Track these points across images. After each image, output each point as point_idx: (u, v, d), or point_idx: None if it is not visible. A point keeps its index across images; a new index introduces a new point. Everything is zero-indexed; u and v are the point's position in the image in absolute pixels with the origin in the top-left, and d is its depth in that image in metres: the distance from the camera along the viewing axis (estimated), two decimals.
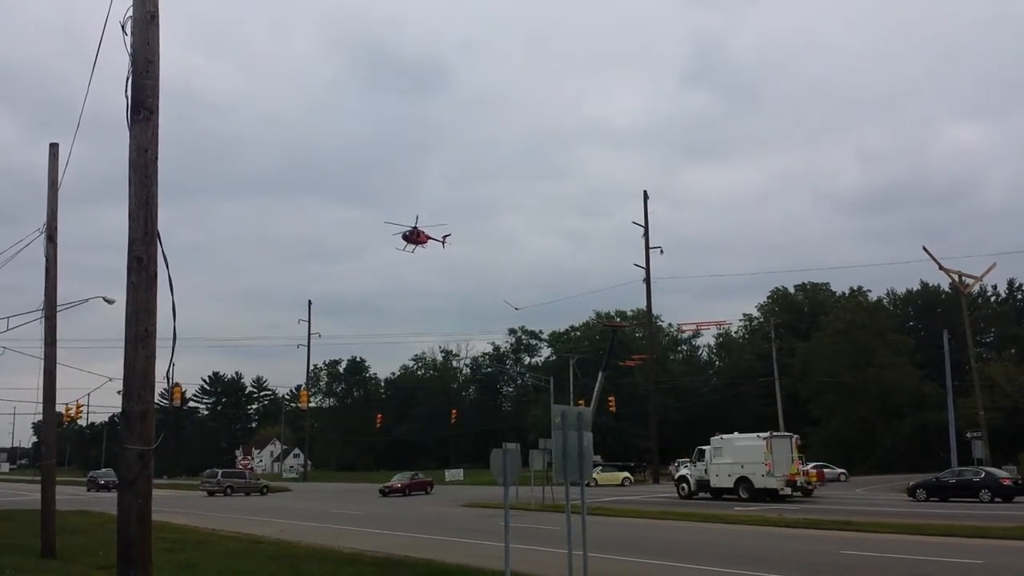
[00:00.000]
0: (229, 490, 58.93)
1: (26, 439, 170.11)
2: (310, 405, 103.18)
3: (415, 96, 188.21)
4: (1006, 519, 26.34)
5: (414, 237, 46.67)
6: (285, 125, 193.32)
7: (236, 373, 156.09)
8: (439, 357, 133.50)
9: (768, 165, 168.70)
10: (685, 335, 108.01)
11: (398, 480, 56.39)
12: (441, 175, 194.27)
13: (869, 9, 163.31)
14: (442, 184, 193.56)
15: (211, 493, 58.04)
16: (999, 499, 35.58)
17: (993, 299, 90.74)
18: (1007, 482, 36.89)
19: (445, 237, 48.85)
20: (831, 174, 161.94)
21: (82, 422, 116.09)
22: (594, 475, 49.92)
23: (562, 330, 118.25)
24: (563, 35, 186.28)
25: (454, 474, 77.72)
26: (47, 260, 19.80)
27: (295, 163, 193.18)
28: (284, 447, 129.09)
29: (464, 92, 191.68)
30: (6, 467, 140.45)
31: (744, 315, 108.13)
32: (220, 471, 64.30)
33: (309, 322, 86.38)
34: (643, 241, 67.57)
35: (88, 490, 64.02)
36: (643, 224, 67.68)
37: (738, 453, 40.05)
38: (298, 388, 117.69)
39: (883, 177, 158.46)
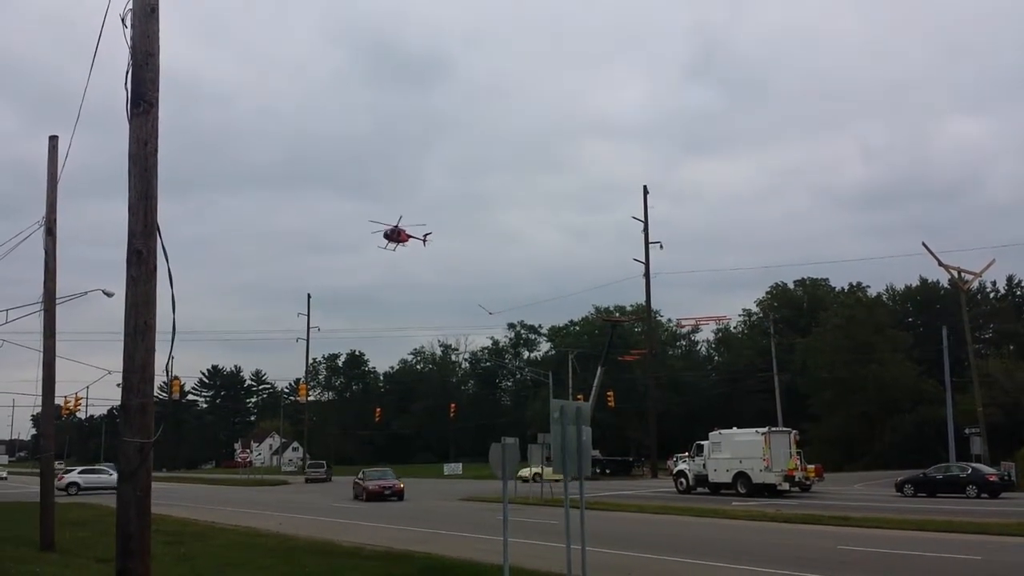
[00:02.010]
0: (329, 477, 68.72)
1: (25, 431, 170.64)
2: (309, 399, 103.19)
3: (416, 88, 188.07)
4: (999, 515, 26.38)
5: (395, 236, 47.09)
6: (286, 117, 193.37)
7: (235, 367, 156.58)
8: (438, 351, 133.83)
9: (769, 160, 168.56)
10: (684, 330, 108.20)
11: (389, 480, 41.89)
12: (442, 168, 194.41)
13: (871, 3, 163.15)
14: (443, 177, 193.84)
15: (308, 480, 67.46)
16: (985, 495, 35.88)
17: (992, 295, 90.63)
18: (993, 478, 37.28)
19: (426, 236, 49.28)
20: (833, 169, 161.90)
21: (81, 415, 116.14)
22: (534, 470, 41.96)
23: (561, 325, 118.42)
24: (565, 28, 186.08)
25: (453, 468, 77.86)
26: (46, 253, 19.80)
27: (295, 155, 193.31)
28: (283, 440, 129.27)
29: (465, 85, 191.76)
30: (5, 459, 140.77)
31: (743, 310, 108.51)
32: (324, 462, 75.32)
33: (308, 315, 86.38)
34: (643, 236, 67.79)
35: None
36: (643, 219, 67.86)
37: (736, 448, 40.05)
38: (297, 382, 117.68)
39: (885, 172, 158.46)
